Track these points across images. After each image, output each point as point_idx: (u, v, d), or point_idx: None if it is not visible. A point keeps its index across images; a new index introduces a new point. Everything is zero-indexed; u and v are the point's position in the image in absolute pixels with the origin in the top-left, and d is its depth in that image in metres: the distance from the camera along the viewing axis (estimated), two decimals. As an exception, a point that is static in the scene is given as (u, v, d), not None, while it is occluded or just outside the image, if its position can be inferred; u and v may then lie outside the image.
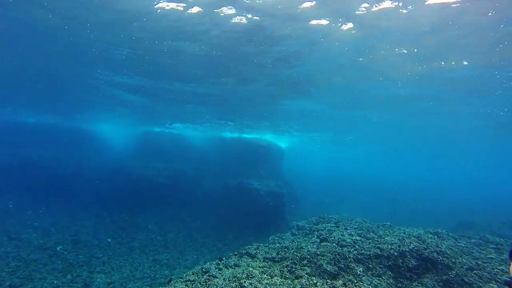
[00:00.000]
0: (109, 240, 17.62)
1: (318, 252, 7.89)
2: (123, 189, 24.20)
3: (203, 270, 7.60)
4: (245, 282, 6.26)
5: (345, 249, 8.17)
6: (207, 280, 6.83)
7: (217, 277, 7.05)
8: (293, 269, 7.27)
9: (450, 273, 7.15)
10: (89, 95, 23.40)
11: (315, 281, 6.52)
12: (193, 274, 7.59)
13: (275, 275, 6.75)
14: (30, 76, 20.25)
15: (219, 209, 21.87)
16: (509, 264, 7.58)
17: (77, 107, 28.60)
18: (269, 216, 19.54)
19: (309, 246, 8.49)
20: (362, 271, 7.41)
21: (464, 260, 7.59)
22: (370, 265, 7.58)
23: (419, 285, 7.05)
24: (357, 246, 8.29)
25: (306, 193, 33.40)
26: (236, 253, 8.77)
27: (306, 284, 6.39)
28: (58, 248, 15.06)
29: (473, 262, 7.54)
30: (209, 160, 26.34)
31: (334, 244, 8.54)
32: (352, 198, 35.70)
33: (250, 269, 7.38)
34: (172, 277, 9.33)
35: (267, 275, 6.74)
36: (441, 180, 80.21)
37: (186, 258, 15.68)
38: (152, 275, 13.17)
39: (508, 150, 35.52)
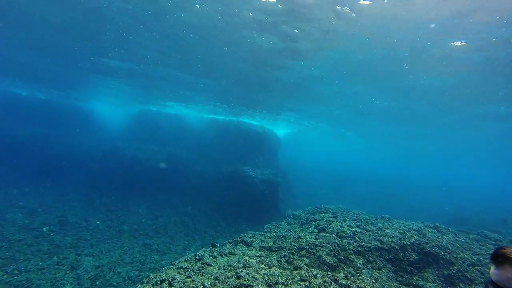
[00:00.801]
0: (98, 222, 17.16)
1: (317, 243, 7.59)
2: (115, 171, 23.60)
3: (197, 257, 7.25)
4: (241, 271, 5.93)
5: (344, 240, 7.90)
6: (200, 268, 6.47)
7: (211, 265, 6.70)
8: (291, 260, 6.97)
9: (452, 268, 6.95)
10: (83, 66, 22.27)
11: (314, 273, 6.23)
12: (185, 261, 7.23)
13: (273, 265, 6.43)
14: (23, 45, 19.10)
15: (211, 196, 21.51)
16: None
17: (70, 80, 27.36)
18: (263, 204, 19.29)
19: (307, 236, 8.19)
20: (362, 263, 7.16)
21: (465, 256, 7.40)
22: (370, 258, 7.33)
23: (420, 279, 6.84)
24: (357, 238, 8.03)
25: (300, 183, 33.30)
26: (231, 240, 8.43)
27: (306, 275, 6.09)
28: (44, 229, 14.54)
29: (475, 258, 7.35)
30: (204, 144, 25.75)
31: (333, 235, 8.26)
32: (344, 190, 35.79)
33: (246, 258, 7.05)
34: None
35: (264, 265, 6.42)
36: (433, 175, 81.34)
37: (177, 243, 15.36)
38: (142, 260, 12.83)
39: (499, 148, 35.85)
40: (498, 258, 2.21)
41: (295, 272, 6.27)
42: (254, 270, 6.02)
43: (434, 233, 8.49)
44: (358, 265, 7.08)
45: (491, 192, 51.64)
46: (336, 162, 73.38)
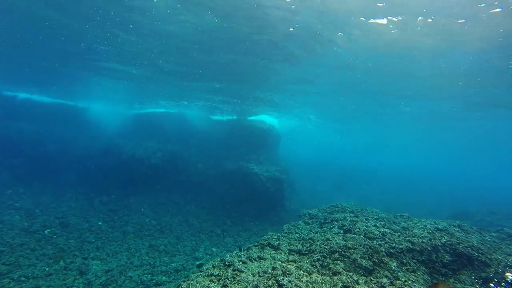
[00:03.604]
0: (100, 223, 16.59)
1: (348, 245, 7.36)
2: (113, 169, 22.84)
3: (226, 263, 6.91)
4: (282, 279, 5.63)
5: (375, 242, 7.69)
6: (234, 276, 6.14)
7: (243, 272, 6.38)
8: (326, 264, 6.72)
9: (488, 271, 6.84)
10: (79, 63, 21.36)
11: (355, 278, 5.99)
12: (214, 267, 6.89)
13: (312, 271, 6.16)
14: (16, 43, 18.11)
15: (215, 193, 21.12)
16: None
17: (67, 81, 26.36)
18: (269, 202, 19.03)
19: (335, 238, 7.95)
20: (396, 266, 6.96)
21: (499, 257, 7.31)
22: (403, 260, 7.15)
23: (457, 281, 6.70)
24: (387, 238, 7.84)
25: (299, 178, 33.20)
26: (256, 244, 8.12)
27: (347, 281, 5.85)
28: (46, 232, 13.92)
29: (510, 260, 7.26)
30: (205, 141, 25.22)
31: (362, 236, 8.05)
32: (345, 185, 35.91)
33: (278, 262, 6.76)
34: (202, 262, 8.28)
35: (303, 271, 6.14)
36: (431, 169, 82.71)
37: (184, 244, 14.98)
38: (151, 262, 12.41)
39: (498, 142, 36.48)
40: None
41: (335, 278, 6.02)
42: (296, 278, 5.74)
43: (461, 232, 8.39)
44: (393, 267, 6.88)
45: (483, 185, 52.87)
46: (335, 157, 73.75)
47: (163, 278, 11.16)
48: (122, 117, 31.99)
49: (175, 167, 22.40)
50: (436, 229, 8.33)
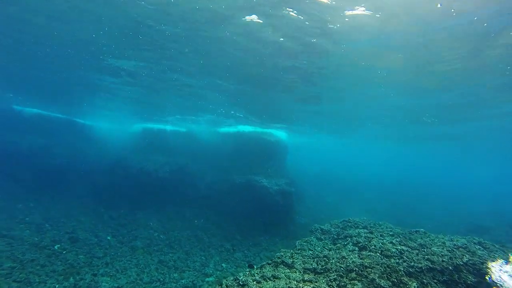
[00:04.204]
0: (109, 238, 16.52)
1: (365, 264, 7.13)
2: (121, 183, 22.97)
3: (240, 282, 6.75)
4: (300, 302, 5.44)
5: (392, 260, 7.45)
6: (250, 297, 5.97)
7: (258, 292, 6.21)
8: (343, 283, 6.51)
9: (515, 291, 6.51)
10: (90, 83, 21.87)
11: (375, 300, 5.76)
12: (227, 286, 6.73)
13: (331, 293, 5.95)
14: (27, 63, 18.68)
15: (224, 207, 20.95)
16: None
17: (75, 100, 27.04)
18: (278, 215, 18.77)
19: (351, 256, 7.73)
20: (417, 287, 6.70)
21: (525, 276, 6.97)
22: (424, 280, 6.88)
23: (482, 304, 6.39)
24: (404, 257, 7.58)
25: (306, 191, 32.84)
26: (269, 262, 7.93)
27: (368, 304, 5.62)
28: (55, 247, 13.88)
29: (537, 279, 6.92)
30: (213, 154, 25.24)
31: (378, 254, 7.81)
32: (352, 197, 35.35)
33: (294, 282, 6.58)
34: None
35: (321, 293, 5.94)
36: (439, 180, 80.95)
37: (194, 259, 14.76)
38: (161, 279, 12.22)
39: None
40: None
41: (354, 299, 5.80)
42: (314, 300, 5.54)
43: (483, 250, 8.07)
44: (413, 288, 6.62)
45: (495, 196, 51.39)
46: (341, 169, 73.01)
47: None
48: (130, 131, 32.43)
49: (183, 181, 22.40)
50: (455, 247, 8.04)
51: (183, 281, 12.22)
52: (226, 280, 7.16)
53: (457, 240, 8.71)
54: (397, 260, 7.44)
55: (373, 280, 6.56)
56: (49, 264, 12.00)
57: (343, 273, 6.95)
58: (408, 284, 6.73)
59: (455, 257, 7.41)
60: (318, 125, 31.52)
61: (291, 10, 10.50)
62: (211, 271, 13.34)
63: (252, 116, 26.18)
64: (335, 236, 10.33)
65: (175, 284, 11.82)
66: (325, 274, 7.05)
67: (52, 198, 22.48)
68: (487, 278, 6.69)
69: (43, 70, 20.04)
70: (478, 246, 8.35)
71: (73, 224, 18.07)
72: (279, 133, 36.37)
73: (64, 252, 13.60)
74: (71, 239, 15.32)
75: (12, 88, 26.67)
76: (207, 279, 12.60)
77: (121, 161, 23.90)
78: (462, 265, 7.15)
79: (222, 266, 14.04)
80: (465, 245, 8.24)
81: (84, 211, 20.73)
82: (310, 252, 8.78)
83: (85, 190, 23.80)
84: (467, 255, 7.47)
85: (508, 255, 8.26)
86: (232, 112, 25.45)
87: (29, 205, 20.47)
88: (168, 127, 35.00)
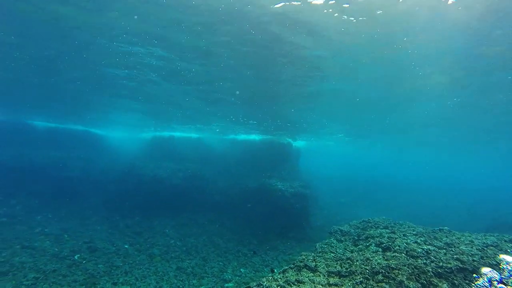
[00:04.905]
0: (126, 246, 16.63)
1: (392, 265, 6.92)
2: (135, 191, 23.16)
3: (264, 288, 6.62)
4: (329, 306, 5.29)
5: (419, 261, 7.20)
6: (276, 302, 5.84)
7: (284, 298, 6.07)
8: (370, 286, 6.31)
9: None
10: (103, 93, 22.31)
11: (407, 303, 5.55)
12: (251, 293, 6.62)
13: (360, 297, 5.78)
14: (41, 77, 19.16)
15: (238, 212, 20.87)
16: None
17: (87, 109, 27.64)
18: (294, 218, 18.57)
19: (376, 258, 7.52)
20: (448, 288, 6.44)
21: None
22: (455, 281, 6.61)
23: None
24: (432, 257, 7.33)
25: (320, 192, 32.46)
26: (292, 266, 7.79)
27: (399, 307, 5.42)
28: (76, 257, 14.04)
29: None
30: (225, 159, 25.27)
31: (403, 255, 7.58)
32: (366, 198, 34.76)
33: (319, 286, 6.42)
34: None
35: (349, 297, 5.77)
36: (456, 179, 78.64)
37: (212, 265, 14.69)
38: (180, 286, 12.19)
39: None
40: None
41: (384, 303, 5.61)
42: (343, 304, 5.38)
43: (514, 247, 7.75)
44: (444, 289, 6.37)
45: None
46: (354, 170, 72.05)
47: (194, 303, 10.89)
48: (141, 139, 32.81)
49: (196, 187, 22.46)
50: (485, 245, 7.74)
51: (202, 287, 12.15)
52: (249, 286, 7.05)
53: (486, 238, 8.40)
54: (424, 261, 7.20)
55: (401, 282, 6.35)
56: (70, 274, 12.12)
57: (369, 276, 6.76)
58: (438, 286, 6.49)
59: (486, 256, 7.12)
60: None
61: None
62: (229, 277, 13.24)
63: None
64: (356, 237, 10.12)
65: (194, 291, 11.76)
66: (351, 277, 6.86)
67: (69, 209, 22.83)
68: None
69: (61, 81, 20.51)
70: (511, 244, 8.02)
71: (91, 233, 18.29)
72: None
73: (84, 261, 13.74)
74: (89, 248, 15.49)
75: (29, 102, 27.37)
76: (226, 284, 12.50)
77: (133, 169, 24.15)
78: (495, 264, 6.85)
79: (240, 271, 13.92)
80: (496, 243, 7.93)
81: (100, 221, 20.96)
82: (332, 254, 8.59)
83: (100, 199, 24.12)
84: (499, 254, 7.16)
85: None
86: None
87: (47, 216, 20.86)
88: (178, 134, 35.30)
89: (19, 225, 18.30)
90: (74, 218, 21.34)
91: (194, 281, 12.75)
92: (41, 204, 23.10)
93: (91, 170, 26.80)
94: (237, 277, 13.20)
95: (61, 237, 17.13)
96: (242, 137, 32.38)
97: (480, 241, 8.06)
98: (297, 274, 7.34)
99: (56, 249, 14.91)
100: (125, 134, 42.23)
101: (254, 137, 31.89)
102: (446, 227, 10.07)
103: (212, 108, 22.39)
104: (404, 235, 9.12)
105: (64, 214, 21.83)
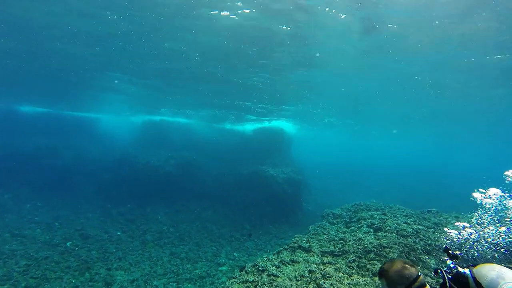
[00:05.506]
0: (119, 233, 16.60)
1: (383, 244, 7.13)
2: (127, 179, 22.93)
3: (259, 268, 6.75)
4: (324, 283, 5.44)
5: (409, 239, 7.45)
6: (271, 281, 5.99)
7: (279, 276, 6.22)
8: (362, 264, 6.51)
9: (534, 264, 6.51)
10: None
11: (397, 278, 5.75)
12: (247, 273, 6.74)
13: (353, 273, 5.95)
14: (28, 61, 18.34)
15: (231, 198, 20.99)
16: None
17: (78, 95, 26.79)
18: (286, 204, 18.82)
19: (368, 237, 7.73)
20: (436, 263, 6.70)
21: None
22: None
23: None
24: (421, 235, 7.59)
25: (312, 179, 32.87)
26: (286, 247, 7.95)
27: (390, 282, 5.61)
28: (67, 244, 13.96)
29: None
30: (218, 147, 25.16)
31: (394, 234, 7.81)
32: (356, 184, 35.42)
33: (313, 265, 6.58)
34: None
35: (342, 273, 5.94)
36: (450, 165, 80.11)
37: (205, 250, 14.84)
38: (174, 270, 12.30)
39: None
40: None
41: (376, 278, 5.80)
42: (337, 280, 5.54)
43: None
44: (432, 266, 6.63)
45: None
46: (344, 156, 72.90)
47: (189, 285, 11.05)
48: (132, 125, 32.21)
49: (190, 174, 22.39)
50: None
51: (197, 271, 12.31)
52: (247, 267, 7.17)
53: (471, 217, 8.70)
54: (414, 239, 7.44)
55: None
56: (63, 261, 12.07)
57: (361, 254, 6.96)
58: (427, 262, 6.74)
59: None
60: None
61: None
62: (223, 261, 13.43)
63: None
64: (348, 220, 10.34)
65: (189, 275, 11.90)
66: (344, 256, 7.05)
67: (60, 197, 22.50)
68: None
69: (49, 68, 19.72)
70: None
71: (82, 221, 18.14)
72: (283, 124, 36.27)
73: (76, 248, 13.67)
74: (82, 236, 15.39)
75: (16, 87, 26.34)
76: (220, 268, 12.69)
77: (126, 157, 23.87)
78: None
79: (234, 255, 14.13)
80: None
81: (92, 209, 20.76)
82: (325, 236, 8.79)
83: (92, 187, 23.80)
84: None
85: None
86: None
87: (37, 205, 20.53)
88: (171, 119, 34.62)
89: (8, 214, 17.97)
90: (66, 206, 21.06)
91: (188, 266, 12.89)
92: (31, 193, 22.63)
93: (84, 158, 26.24)
94: (231, 261, 13.41)
95: (52, 225, 16.94)
96: (236, 126, 32.24)
97: (465, 220, 8.36)
98: (292, 254, 7.50)
99: (47, 237, 14.76)
100: (118, 117, 40.91)
101: (248, 126, 31.82)
102: (434, 209, 10.39)
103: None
104: (394, 216, 9.37)
105: (55, 203, 21.49)
